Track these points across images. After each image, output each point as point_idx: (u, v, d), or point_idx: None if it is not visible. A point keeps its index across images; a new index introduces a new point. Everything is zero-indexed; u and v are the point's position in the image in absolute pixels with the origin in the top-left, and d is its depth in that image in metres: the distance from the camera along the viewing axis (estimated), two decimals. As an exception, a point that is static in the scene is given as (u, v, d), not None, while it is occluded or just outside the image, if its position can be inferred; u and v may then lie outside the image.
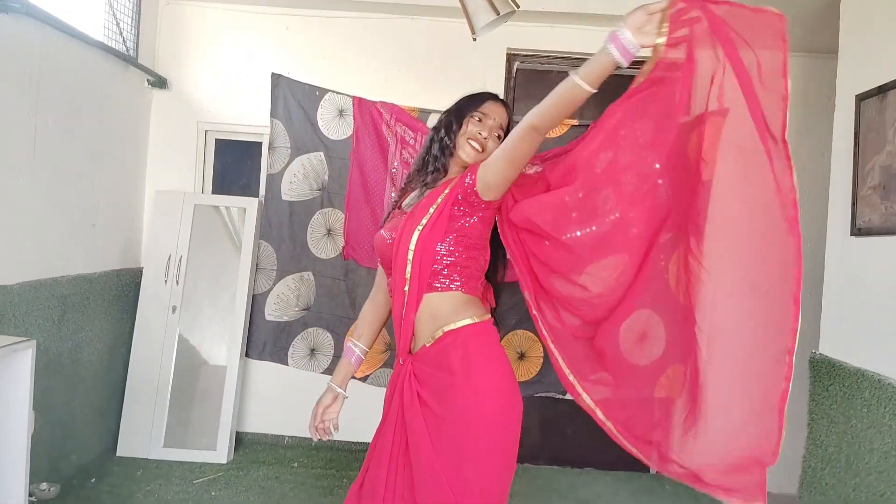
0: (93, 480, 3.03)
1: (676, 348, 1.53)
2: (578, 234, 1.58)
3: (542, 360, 3.33)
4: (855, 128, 2.50)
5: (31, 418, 2.12)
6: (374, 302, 1.89)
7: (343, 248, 3.42)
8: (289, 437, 3.72)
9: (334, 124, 3.42)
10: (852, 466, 2.34)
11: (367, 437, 1.72)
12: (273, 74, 3.42)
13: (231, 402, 3.45)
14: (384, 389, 1.75)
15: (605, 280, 1.57)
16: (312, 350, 3.47)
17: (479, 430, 1.53)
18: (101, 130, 3.20)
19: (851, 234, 2.50)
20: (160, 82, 3.63)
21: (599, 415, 1.62)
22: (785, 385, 1.31)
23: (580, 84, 1.42)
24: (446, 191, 1.65)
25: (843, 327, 2.55)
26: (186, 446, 3.41)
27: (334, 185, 3.43)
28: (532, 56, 3.68)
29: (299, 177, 3.44)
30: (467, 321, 1.61)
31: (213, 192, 3.81)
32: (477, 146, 1.71)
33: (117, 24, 3.29)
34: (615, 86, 1.56)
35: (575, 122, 3.26)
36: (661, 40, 1.39)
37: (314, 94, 3.42)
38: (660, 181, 1.53)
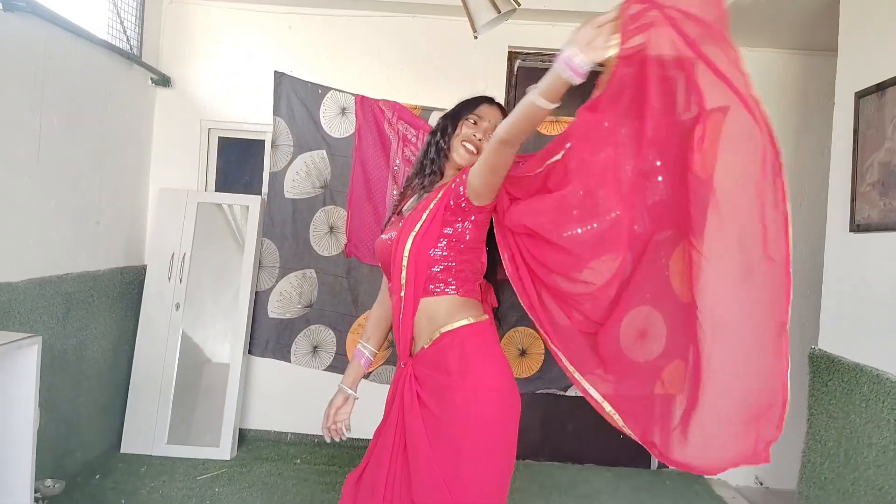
0: (97, 477, 3.06)
1: (677, 344, 1.54)
2: (580, 231, 1.59)
3: (543, 357, 3.34)
4: (854, 125, 2.51)
5: (36, 415, 2.13)
6: (381, 304, 1.92)
7: (345, 245, 3.44)
8: (291, 433, 3.74)
9: (336, 122, 3.43)
10: (851, 461, 2.36)
11: (369, 434, 1.75)
12: (275, 72, 3.44)
13: (234, 398, 3.47)
14: (386, 386, 1.77)
15: (606, 273, 1.59)
16: (315, 347, 3.49)
17: (476, 430, 1.55)
18: (105, 129, 3.22)
19: (850, 231, 2.51)
20: (164, 81, 3.65)
21: (607, 408, 1.62)
22: (785, 347, 1.34)
23: (538, 104, 1.39)
24: (439, 195, 1.67)
25: (842, 323, 2.57)
26: (190, 443, 3.43)
27: (337, 182, 3.45)
28: (533, 54, 3.70)
29: (302, 174, 3.45)
30: (464, 322, 1.63)
31: (216, 190, 3.83)
32: (471, 147, 1.72)
33: (121, 23, 3.31)
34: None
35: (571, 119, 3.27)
36: (612, 53, 1.33)
37: (316, 92, 3.43)
38: (660, 178, 1.54)
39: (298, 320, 3.49)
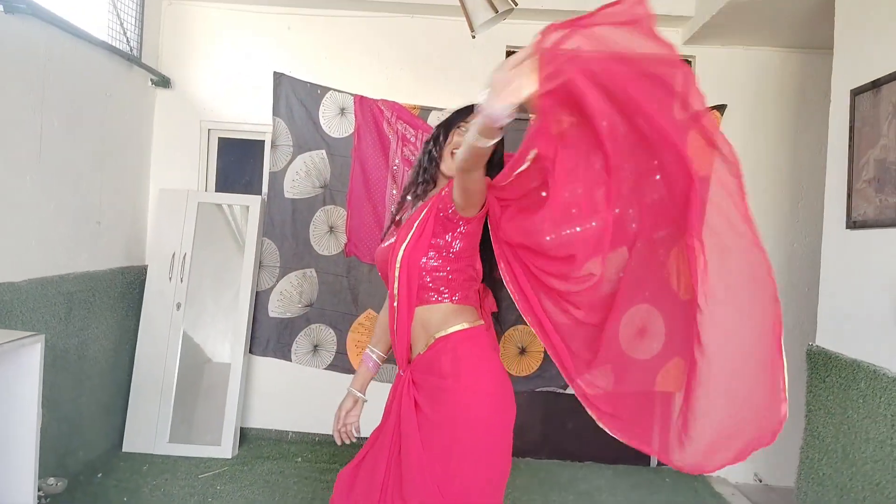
0: (99, 475, 3.07)
1: (676, 342, 1.55)
2: (578, 229, 1.60)
3: (542, 356, 3.36)
4: (850, 122, 2.52)
5: (39, 413, 2.15)
6: (388, 310, 1.93)
7: (345, 245, 3.46)
8: (292, 432, 3.75)
9: (336, 122, 3.45)
10: (849, 456, 2.37)
11: (369, 432, 1.76)
12: (275, 73, 3.45)
13: (235, 398, 3.49)
14: (387, 385, 1.79)
15: (604, 272, 1.59)
16: (315, 346, 3.51)
17: (468, 432, 1.56)
18: (106, 129, 3.24)
19: (847, 228, 2.52)
20: (163, 82, 3.66)
21: (603, 407, 1.64)
22: (778, 327, 1.34)
23: (478, 144, 1.37)
24: (430, 205, 1.68)
25: (839, 320, 2.58)
26: (191, 442, 3.45)
27: (336, 182, 3.47)
28: (531, 54, 3.71)
29: (301, 174, 3.47)
30: (458, 327, 1.65)
31: (216, 191, 3.84)
32: None
33: (121, 24, 3.33)
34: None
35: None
36: (528, 92, 1.25)
37: (316, 93, 3.45)
38: (657, 177, 1.55)
39: (299, 319, 3.51)
